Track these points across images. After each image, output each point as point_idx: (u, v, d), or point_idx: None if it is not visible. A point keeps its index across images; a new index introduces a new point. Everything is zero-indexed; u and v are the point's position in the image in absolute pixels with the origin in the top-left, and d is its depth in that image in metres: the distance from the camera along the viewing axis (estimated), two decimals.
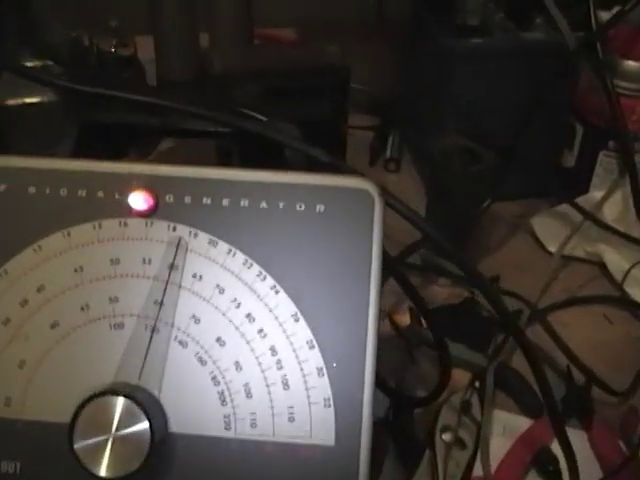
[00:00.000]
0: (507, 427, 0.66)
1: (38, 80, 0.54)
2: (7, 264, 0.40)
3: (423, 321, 0.70)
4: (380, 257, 0.40)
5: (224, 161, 0.62)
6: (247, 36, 0.77)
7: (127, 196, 0.40)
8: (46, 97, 0.67)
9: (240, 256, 0.40)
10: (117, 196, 0.40)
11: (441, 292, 0.76)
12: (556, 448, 0.58)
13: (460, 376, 0.67)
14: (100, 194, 0.40)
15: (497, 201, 0.77)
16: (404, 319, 0.71)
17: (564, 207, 0.81)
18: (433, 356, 0.68)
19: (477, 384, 0.66)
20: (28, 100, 0.67)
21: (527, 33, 0.77)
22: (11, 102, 0.67)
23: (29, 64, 0.69)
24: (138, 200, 0.40)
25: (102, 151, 0.55)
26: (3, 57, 0.58)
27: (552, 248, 0.79)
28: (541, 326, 0.71)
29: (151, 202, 0.40)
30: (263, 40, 0.84)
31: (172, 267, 0.39)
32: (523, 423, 0.65)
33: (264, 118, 0.53)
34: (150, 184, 0.40)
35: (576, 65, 0.74)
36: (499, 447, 0.62)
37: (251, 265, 0.40)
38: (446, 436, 0.62)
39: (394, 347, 0.70)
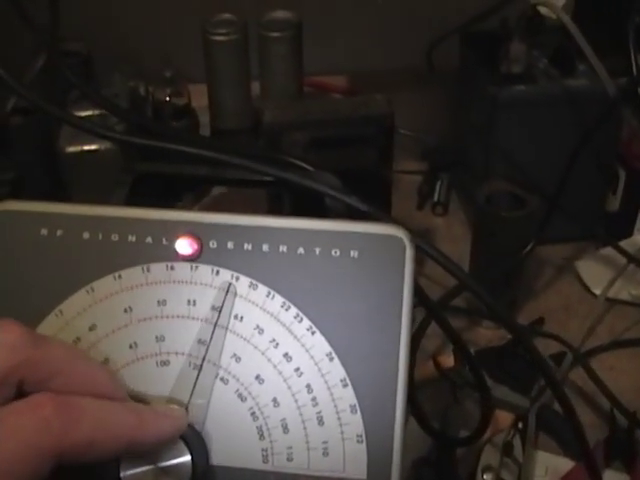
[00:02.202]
0: (550, 468, 0.66)
1: (92, 132, 0.57)
2: (62, 305, 0.43)
3: (448, 361, 0.72)
4: (411, 299, 0.42)
5: (275, 207, 0.65)
6: (297, 85, 0.80)
7: (174, 242, 0.43)
8: (103, 145, 0.71)
9: (278, 299, 0.42)
10: (165, 241, 0.43)
11: (485, 334, 0.78)
12: None
13: (503, 417, 0.69)
14: (149, 239, 0.43)
15: (543, 244, 0.78)
16: (448, 361, 0.72)
17: (608, 250, 0.82)
18: (476, 397, 0.69)
19: (520, 425, 0.67)
20: (86, 148, 0.70)
21: (571, 80, 0.78)
22: (70, 149, 0.70)
23: (87, 113, 0.72)
24: (184, 245, 0.43)
25: (156, 198, 0.58)
26: (62, 109, 0.62)
27: (597, 291, 0.80)
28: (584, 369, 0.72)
29: (196, 247, 0.43)
30: (314, 87, 0.87)
31: (219, 309, 0.42)
32: (566, 465, 0.66)
33: (309, 167, 0.55)
34: (195, 230, 0.43)
35: (618, 111, 0.76)
36: None
37: (289, 307, 0.42)
38: (488, 476, 0.64)
39: (438, 388, 0.71)
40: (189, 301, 0.43)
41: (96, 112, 0.72)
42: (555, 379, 0.59)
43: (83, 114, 0.71)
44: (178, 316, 0.43)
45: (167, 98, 0.77)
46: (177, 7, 0.90)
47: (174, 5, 0.90)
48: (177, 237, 0.43)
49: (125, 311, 0.43)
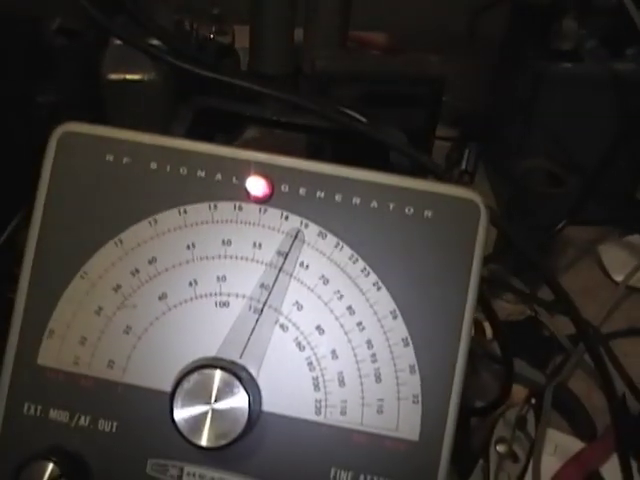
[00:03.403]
0: (559, 447, 0.66)
1: (152, 55, 0.55)
2: (123, 234, 0.42)
3: (487, 333, 0.72)
4: (480, 268, 0.41)
5: (314, 156, 0.64)
6: (342, 38, 0.79)
7: (244, 181, 0.42)
8: (147, 75, 0.69)
9: (347, 250, 0.41)
10: (235, 180, 0.42)
11: (505, 308, 0.77)
12: (606, 473, 0.59)
13: (518, 391, 0.69)
14: (218, 176, 0.42)
15: (569, 225, 0.78)
16: None
17: (633, 238, 0.82)
18: (494, 369, 0.69)
19: (533, 401, 0.67)
20: (129, 77, 0.68)
21: (619, 63, 0.77)
22: (113, 77, 0.68)
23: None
24: (256, 186, 0.42)
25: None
26: (117, 29, 0.60)
27: (618, 277, 0.80)
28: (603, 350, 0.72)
29: (267, 189, 0.42)
30: (354, 42, 0.85)
31: (285, 255, 0.41)
32: (575, 445, 0.66)
33: (364, 119, 0.54)
34: (268, 172, 0.42)
35: None
36: (549, 466, 0.63)
37: (356, 260, 0.41)
38: (500, 448, 0.64)
39: None
40: (255, 243, 0.42)
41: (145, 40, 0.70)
42: (594, 341, 0.58)
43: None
44: (242, 258, 0.42)
45: (211, 35, 0.75)
46: None
47: None
48: (248, 177, 0.42)
49: (188, 247, 0.42)
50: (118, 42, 0.68)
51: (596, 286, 0.81)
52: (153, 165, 0.43)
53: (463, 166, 0.91)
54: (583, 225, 0.86)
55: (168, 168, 0.43)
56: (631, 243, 0.82)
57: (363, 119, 0.54)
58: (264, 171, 0.42)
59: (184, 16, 0.78)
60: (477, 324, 0.72)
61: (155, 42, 0.68)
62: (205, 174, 0.42)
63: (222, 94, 0.60)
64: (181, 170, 0.43)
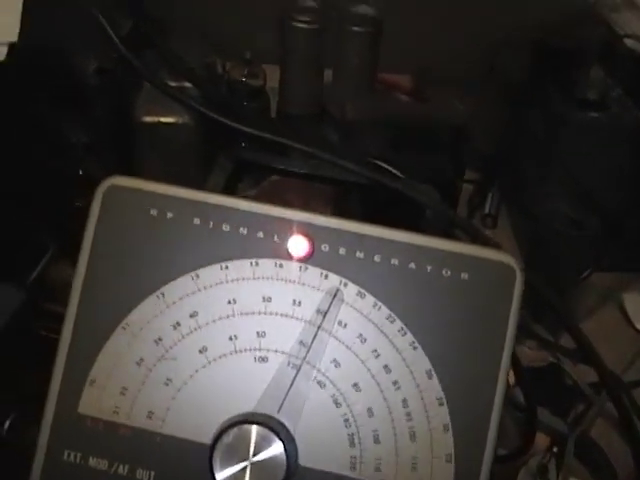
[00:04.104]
0: None
1: (183, 103, 0.57)
2: (165, 287, 0.43)
3: (510, 379, 0.72)
4: (515, 329, 0.42)
5: (341, 205, 0.65)
6: (370, 81, 0.80)
7: (286, 240, 0.43)
8: (180, 119, 0.70)
9: (385, 310, 0.42)
10: (276, 238, 0.43)
11: (527, 354, 0.78)
12: None
13: (540, 439, 0.69)
14: (260, 234, 0.43)
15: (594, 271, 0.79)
16: None
17: None
18: (516, 415, 0.70)
19: (555, 449, 0.68)
20: (163, 119, 0.70)
21: None
22: (147, 119, 0.70)
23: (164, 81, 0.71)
24: (297, 245, 0.43)
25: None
26: (146, 71, 0.61)
27: None
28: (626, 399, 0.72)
29: (308, 248, 0.43)
30: (379, 83, 0.86)
31: (324, 313, 0.42)
32: None
33: (399, 173, 0.55)
34: (309, 231, 0.43)
35: None
36: None
37: (394, 320, 0.42)
38: None
39: None
40: (294, 301, 0.43)
41: (173, 83, 0.72)
42: (619, 391, 0.59)
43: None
44: (282, 314, 0.43)
45: (243, 78, 0.77)
46: None
47: None
48: (290, 236, 0.43)
49: (229, 302, 0.43)
50: None
51: (618, 333, 0.82)
52: (196, 221, 0.44)
53: (486, 210, 0.92)
54: (606, 271, 0.86)
55: (211, 224, 0.44)
56: None
57: (397, 172, 0.55)
58: (305, 230, 0.43)
59: (216, 58, 0.79)
60: None
61: (187, 84, 0.69)
62: (247, 231, 0.43)
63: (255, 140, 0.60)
64: (223, 227, 0.44)
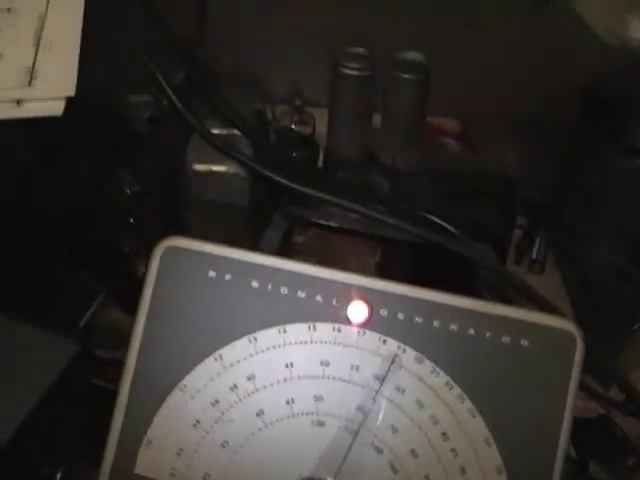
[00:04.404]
0: None
1: (233, 157, 0.57)
2: (223, 349, 0.44)
3: None
4: (575, 396, 0.42)
5: (386, 260, 0.64)
6: (419, 128, 0.80)
7: (344, 304, 0.43)
8: (232, 168, 0.71)
9: (443, 376, 0.42)
10: (335, 303, 0.43)
11: (577, 405, 0.77)
12: None
13: None
14: (318, 298, 0.43)
15: None
16: None
17: None
18: (566, 468, 0.69)
19: None
20: (215, 168, 0.70)
21: None
22: (198, 167, 0.70)
23: (216, 131, 0.72)
24: (356, 310, 0.43)
25: None
26: (196, 123, 0.62)
27: None
28: None
29: (367, 314, 0.43)
30: (427, 127, 0.86)
31: (382, 378, 0.42)
32: None
33: (453, 229, 0.55)
34: (368, 296, 0.43)
35: None
36: None
37: (452, 387, 0.42)
38: None
39: None
40: (352, 366, 0.43)
41: (223, 131, 0.72)
42: None
43: (211, 130, 0.71)
44: (340, 379, 0.43)
45: (292, 126, 0.77)
46: (309, 35, 0.90)
47: (306, 32, 0.90)
48: (349, 301, 0.43)
49: (286, 366, 0.43)
50: None
51: None
52: (254, 283, 0.44)
53: (534, 255, 0.91)
54: None
55: (269, 287, 0.44)
56: None
57: (451, 228, 0.55)
58: (364, 295, 0.43)
59: (265, 104, 0.80)
60: None
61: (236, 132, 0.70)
62: (306, 295, 0.44)
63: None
64: (282, 290, 0.44)
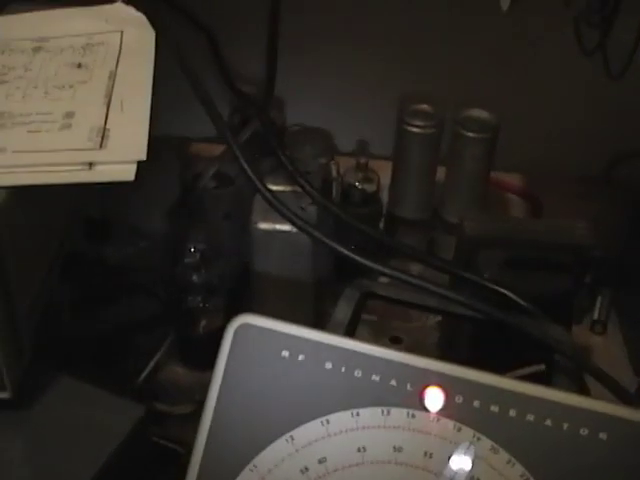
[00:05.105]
0: None
1: (293, 223, 0.57)
2: (294, 431, 0.43)
3: None
4: None
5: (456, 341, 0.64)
6: (484, 186, 0.80)
7: (419, 389, 0.43)
8: (295, 228, 0.70)
9: (519, 468, 0.41)
10: (409, 387, 0.43)
11: None
12: None
13: None
14: (393, 382, 0.43)
15: None
16: None
17: None
18: None
19: None
20: (279, 227, 0.70)
21: None
22: (262, 226, 0.70)
23: (279, 188, 0.72)
24: (432, 397, 0.42)
25: None
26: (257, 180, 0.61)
27: None
28: None
29: (442, 400, 0.42)
30: (491, 184, 0.86)
31: (456, 467, 0.41)
32: None
33: (524, 303, 0.54)
34: (443, 382, 0.43)
35: None
36: None
37: (528, 478, 0.41)
38: None
39: None
40: (426, 453, 0.42)
41: (288, 188, 0.72)
42: None
43: (275, 188, 0.71)
44: (413, 466, 0.42)
45: (357, 183, 0.77)
46: (373, 89, 0.90)
47: (370, 87, 0.90)
48: (424, 386, 0.43)
49: (359, 450, 0.43)
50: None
51: None
52: (328, 365, 0.44)
53: (595, 315, 0.90)
54: None
55: (343, 369, 0.44)
56: None
57: (521, 301, 0.54)
58: (440, 381, 0.43)
59: (330, 161, 0.80)
60: None
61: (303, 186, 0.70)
62: (380, 378, 0.43)
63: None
64: (356, 373, 0.43)
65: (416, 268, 0.73)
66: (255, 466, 0.43)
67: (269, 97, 0.74)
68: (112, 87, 0.61)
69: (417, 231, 0.82)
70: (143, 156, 0.53)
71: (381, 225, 0.82)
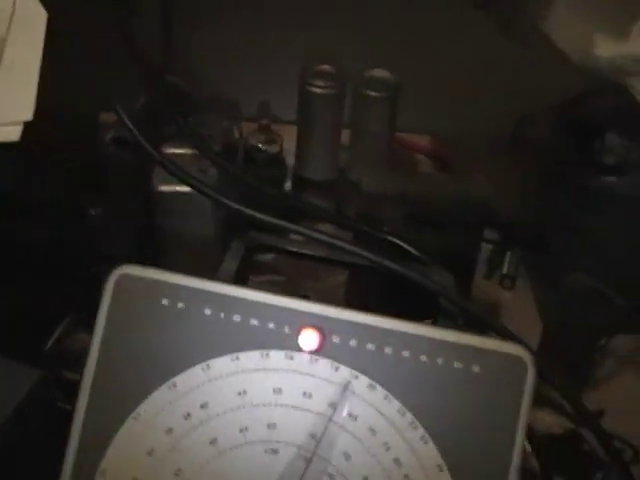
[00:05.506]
0: None
1: (194, 187, 0.57)
2: (177, 377, 0.44)
3: (526, 447, 0.71)
4: (526, 422, 0.42)
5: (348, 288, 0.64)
6: (388, 146, 0.80)
7: (297, 332, 0.43)
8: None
9: (395, 403, 0.42)
10: (287, 330, 0.43)
11: (544, 420, 0.77)
12: None
13: None
14: (271, 325, 0.43)
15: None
16: None
17: None
18: None
19: None
20: (179, 189, 0.70)
21: None
22: (163, 188, 0.70)
23: (181, 151, 0.72)
24: (308, 338, 0.43)
25: None
26: (154, 151, 0.61)
27: None
28: None
29: (319, 341, 0.43)
30: (397, 144, 0.86)
31: (334, 406, 0.42)
32: None
33: (414, 251, 0.55)
34: (319, 323, 0.43)
35: None
36: None
37: (404, 413, 0.42)
38: None
39: None
40: (305, 393, 0.43)
41: (189, 151, 0.72)
42: (627, 465, 0.59)
43: (177, 151, 0.71)
44: (292, 406, 0.43)
45: (260, 145, 0.77)
46: (277, 53, 0.90)
47: (274, 50, 0.90)
48: (301, 328, 0.43)
49: (239, 394, 0.43)
50: (169, 152, 0.69)
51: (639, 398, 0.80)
52: (207, 311, 0.44)
53: (504, 270, 0.91)
54: (627, 334, 0.85)
55: (222, 315, 0.44)
56: None
57: (413, 250, 0.54)
58: (316, 322, 0.43)
59: (232, 124, 0.80)
60: None
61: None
62: (258, 322, 0.43)
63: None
64: (234, 317, 0.44)
65: (324, 228, 0.73)
66: (139, 414, 0.44)
67: (167, 62, 0.74)
68: (1, 52, 0.60)
69: (324, 192, 0.82)
70: (29, 117, 0.52)
71: (289, 187, 0.82)
